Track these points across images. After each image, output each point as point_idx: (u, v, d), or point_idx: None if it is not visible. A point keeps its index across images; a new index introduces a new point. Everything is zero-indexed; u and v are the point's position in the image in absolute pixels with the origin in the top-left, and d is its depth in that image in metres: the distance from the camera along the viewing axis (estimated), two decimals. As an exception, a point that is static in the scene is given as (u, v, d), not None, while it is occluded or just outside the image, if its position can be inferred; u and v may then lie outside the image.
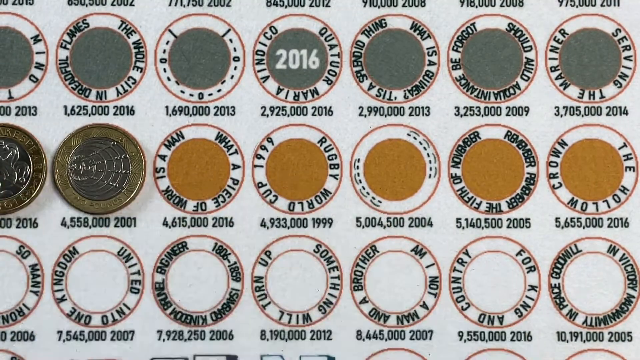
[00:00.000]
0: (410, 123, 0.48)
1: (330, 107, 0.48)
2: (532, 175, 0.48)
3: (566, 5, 0.49)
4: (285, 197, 0.48)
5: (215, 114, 0.48)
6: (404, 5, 0.48)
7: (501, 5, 0.49)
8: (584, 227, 0.48)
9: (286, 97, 0.48)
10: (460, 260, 0.47)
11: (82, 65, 0.48)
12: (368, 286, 0.47)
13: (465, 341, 0.47)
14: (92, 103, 0.48)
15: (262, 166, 0.48)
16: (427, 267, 0.47)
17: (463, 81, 0.48)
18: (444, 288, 0.47)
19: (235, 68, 0.48)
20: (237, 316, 0.47)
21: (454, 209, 0.48)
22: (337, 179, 0.48)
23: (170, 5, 0.48)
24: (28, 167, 0.47)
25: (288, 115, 0.48)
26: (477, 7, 0.48)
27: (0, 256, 0.47)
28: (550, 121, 0.48)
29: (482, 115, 0.48)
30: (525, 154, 0.48)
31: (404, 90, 0.48)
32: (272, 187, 0.48)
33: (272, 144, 0.48)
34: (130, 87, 0.48)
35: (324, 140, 0.48)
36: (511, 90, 0.48)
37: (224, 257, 0.47)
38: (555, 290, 0.47)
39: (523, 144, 0.48)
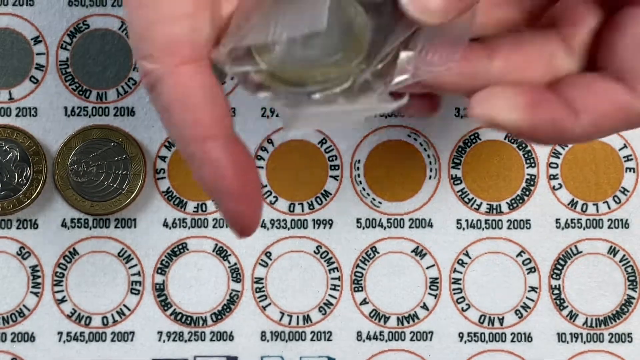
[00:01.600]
0: (411, 124, 0.48)
1: (331, 108, 0.48)
2: (533, 177, 0.48)
3: (566, 6, 0.48)
4: (286, 198, 0.48)
5: (216, 115, 0.48)
6: (404, 6, 0.48)
7: (501, 6, 0.48)
8: (584, 228, 0.48)
9: (286, 98, 0.48)
10: (460, 262, 0.47)
11: (82, 67, 0.48)
12: (368, 287, 0.47)
13: (465, 342, 0.47)
14: (92, 104, 0.48)
15: (262, 167, 0.48)
16: (428, 268, 0.47)
17: (463, 82, 0.48)
18: (444, 289, 0.47)
19: (235, 69, 0.48)
20: (237, 317, 0.47)
21: (454, 210, 0.48)
22: (337, 180, 0.48)
23: (170, 6, 0.48)
24: (28, 168, 0.47)
25: (288, 117, 0.48)
26: (477, 8, 0.48)
27: (0, 257, 0.47)
28: (551, 122, 0.48)
29: (483, 117, 0.48)
30: (526, 155, 0.48)
31: (405, 92, 0.48)
32: (272, 188, 0.48)
33: (273, 145, 0.48)
34: (130, 88, 0.48)
35: (324, 141, 0.48)
36: (511, 92, 0.48)
37: (224, 258, 0.47)
38: (556, 291, 0.47)
39: (523, 145, 0.48)
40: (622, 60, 0.33)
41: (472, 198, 0.48)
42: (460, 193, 0.48)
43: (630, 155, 0.48)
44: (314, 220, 0.47)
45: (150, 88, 0.31)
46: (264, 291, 0.47)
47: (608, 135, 0.33)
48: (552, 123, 0.32)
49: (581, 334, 0.47)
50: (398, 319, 0.47)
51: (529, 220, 0.48)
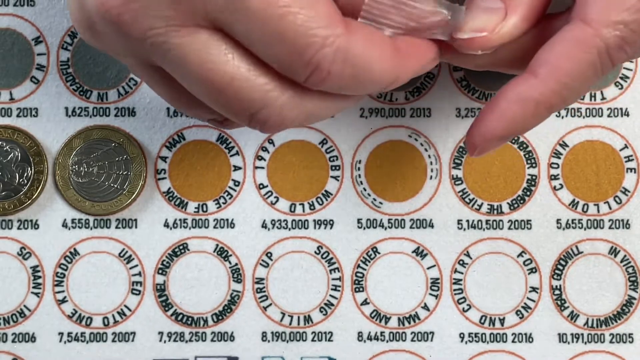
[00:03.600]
0: (412, 124, 0.48)
1: (332, 109, 0.48)
2: (533, 177, 0.48)
3: (567, 6, 0.48)
4: (287, 198, 0.48)
5: (217, 116, 0.48)
6: (405, 7, 0.48)
7: (502, 7, 0.48)
8: (585, 229, 0.48)
9: (287, 99, 0.48)
10: (461, 262, 0.47)
11: (83, 67, 0.48)
12: (369, 288, 0.47)
13: (466, 343, 0.47)
14: (93, 104, 0.48)
15: (263, 167, 0.48)
16: (428, 268, 0.47)
17: (464, 82, 0.48)
18: (445, 289, 0.47)
19: (236, 69, 0.48)
20: (238, 318, 0.47)
21: (455, 210, 0.48)
22: (338, 180, 0.48)
23: (171, 6, 0.48)
24: (29, 168, 0.47)
25: (289, 117, 0.48)
26: (478, 8, 0.48)
27: (1, 258, 0.47)
28: (552, 122, 0.48)
29: (483, 117, 0.48)
30: (527, 155, 0.48)
31: (405, 92, 0.48)
32: (273, 188, 0.48)
33: (273, 146, 0.48)
34: (131, 88, 0.48)
35: (325, 141, 0.48)
36: (512, 92, 0.48)
37: (225, 259, 0.47)
38: (557, 291, 0.47)
39: (524, 146, 0.48)
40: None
41: (473, 198, 0.48)
42: (461, 193, 0.48)
43: (631, 155, 0.48)
44: (314, 220, 0.47)
45: (342, 58, 0.34)
46: (264, 292, 0.47)
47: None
48: None
49: (582, 334, 0.47)
50: (399, 319, 0.47)
51: (530, 220, 0.48)
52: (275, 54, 0.33)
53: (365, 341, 0.47)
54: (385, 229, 0.47)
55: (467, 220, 0.48)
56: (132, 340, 0.47)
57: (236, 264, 0.47)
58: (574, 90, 0.36)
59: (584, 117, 0.48)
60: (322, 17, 0.33)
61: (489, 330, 0.47)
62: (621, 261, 0.47)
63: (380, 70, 0.35)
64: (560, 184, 0.48)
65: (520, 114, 0.36)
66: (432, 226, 0.48)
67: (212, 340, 0.47)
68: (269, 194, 0.48)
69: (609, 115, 0.48)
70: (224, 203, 0.47)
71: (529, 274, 0.47)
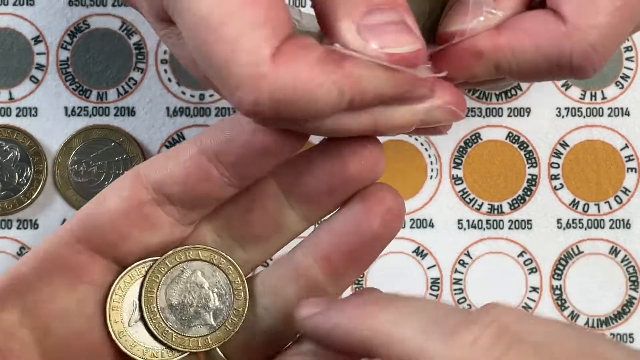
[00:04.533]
0: (412, 124, 0.48)
1: (332, 108, 0.48)
2: (534, 177, 0.48)
3: (568, 6, 0.48)
4: (286, 198, 0.47)
5: (216, 115, 0.48)
6: (405, 6, 0.48)
7: (503, 6, 0.48)
8: (585, 229, 0.48)
9: (287, 98, 0.48)
10: (461, 262, 0.47)
11: (82, 66, 0.48)
12: (369, 287, 0.47)
13: (466, 343, 0.47)
14: (92, 104, 0.48)
15: (263, 167, 0.48)
16: (429, 268, 0.47)
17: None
18: (446, 289, 0.47)
19: (236, 69, 0.48)
20: (238, 318, 0.47)
21: (456, 210, 0.48)
22: (338, 180, 0.48)
23: (171, 6, 0.48)
24: (28, 168, 0.47)
25: (289, 116, 0.48)
26: (478, 8, 0.48)
27: (0, 257, 0.47)
28: (552, 122, 0.48)
29: (484, 117, 0.48)
30: (527, 155, 0.48)
31: (405, 91, 0.48)
32: (273, 188, 0.47)
33: (273, 145, 0.48)
34: (131, 88, 0.48)
35: (325, 141, 0.48)
36: (512, 92, 0.48)
37: (224, 259, 0.47)
38: (557, 291, 0.47)
39: (524, 145, 0.48)
40: None
41: (473, 198, 0.48)
42: (461, 193, 0.48)
43: (632, 155, 0.48)
44: (314, 220, 0.47)
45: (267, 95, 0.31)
46: (264, 291, 0.47)
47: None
48: None
49: (582, 334, 0.47)
50: (399, 319, 0.47)
51: (530, 220, 0.48)
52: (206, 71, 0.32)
53: (365, 341, 0.47)
54: (386, 228, 0.47)
55: (468, 220, 0.48)
56: (132, 340, 0.47)
57: (236, 264, 0.47)
58: (524, 66, 0.35)
59: (584, 117, 0.48)
60: (246, 49, 0.30)
61: (490, 330, 0.47)
62: (622, 261, 0.47)
63: (311, 84, 0.31)
64: (561, 184, 0.48)
65: (474, 64, 0.35)
66: (432, 226, 0.47)
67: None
68: (269, 193, 0.47)
69: (609, 115, 0.48)
70: (223, 203, 0.47)
71: (529, 273, 0.47)
